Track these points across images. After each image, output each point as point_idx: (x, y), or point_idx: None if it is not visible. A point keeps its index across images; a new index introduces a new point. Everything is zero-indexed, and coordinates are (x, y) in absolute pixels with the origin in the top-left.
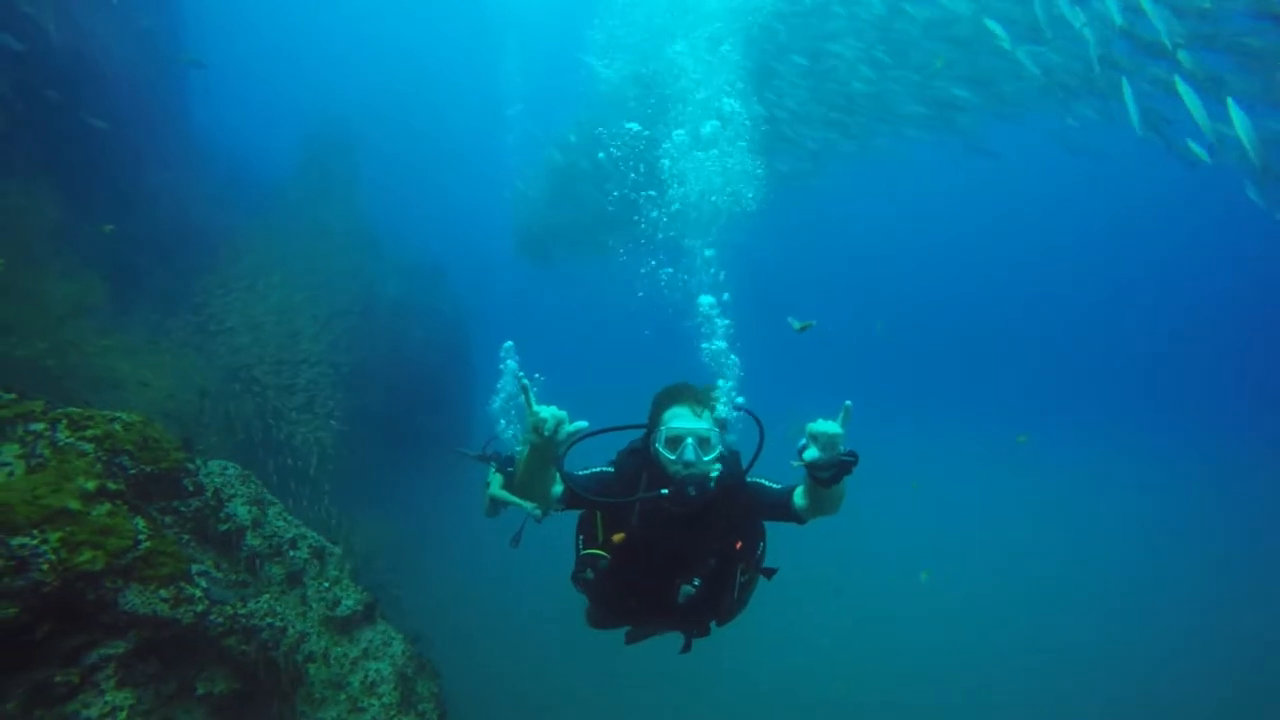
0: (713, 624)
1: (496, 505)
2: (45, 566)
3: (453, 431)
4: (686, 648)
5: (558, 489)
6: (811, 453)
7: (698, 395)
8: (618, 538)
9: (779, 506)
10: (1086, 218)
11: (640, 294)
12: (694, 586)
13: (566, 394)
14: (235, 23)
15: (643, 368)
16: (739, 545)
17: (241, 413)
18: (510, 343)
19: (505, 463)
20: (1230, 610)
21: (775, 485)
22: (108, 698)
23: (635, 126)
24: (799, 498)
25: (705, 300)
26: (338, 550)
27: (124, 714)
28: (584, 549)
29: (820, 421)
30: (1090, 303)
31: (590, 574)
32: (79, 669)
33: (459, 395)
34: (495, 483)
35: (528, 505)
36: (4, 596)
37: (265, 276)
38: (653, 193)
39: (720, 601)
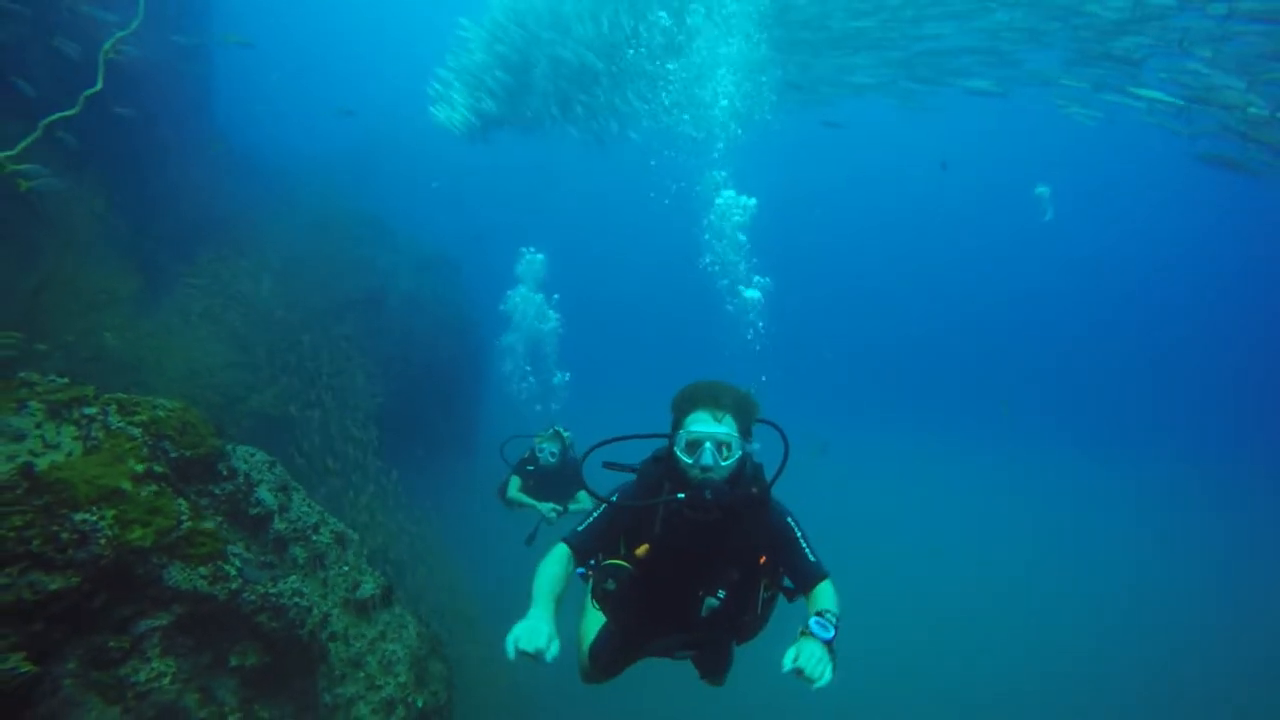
0: (732, 650)
1: (513, 505)
2: (103, 541)
3: (462, 424)
4: (705, 675)
5: (569, 567)
6: (787, 663)
7: (718, 399)
8: (640, 550)
9: (794, 575)
10: (1092, 221)
11: (653, 162)
12: (718, 599)
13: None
14: (257, 11)
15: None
16: (762, 560)
17: (261, 398)
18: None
19: (519, 466)
20: (1232, 620)
21: (811, 556)
22: (154, 664)
23: (665, 16)
24: (807, 600)
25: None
26: (356, 536)
27: (167, 680)
28: (605, 560)
29: (802, 659)
30: (1090, 305)
31: (612, 584)
32: (129, 637)
33: (469, 388)
34: (513, 485)
35: (543, 507)
36: (69, 566)
37: (280, 265)
38: (672, 66)
39: (743, 616)
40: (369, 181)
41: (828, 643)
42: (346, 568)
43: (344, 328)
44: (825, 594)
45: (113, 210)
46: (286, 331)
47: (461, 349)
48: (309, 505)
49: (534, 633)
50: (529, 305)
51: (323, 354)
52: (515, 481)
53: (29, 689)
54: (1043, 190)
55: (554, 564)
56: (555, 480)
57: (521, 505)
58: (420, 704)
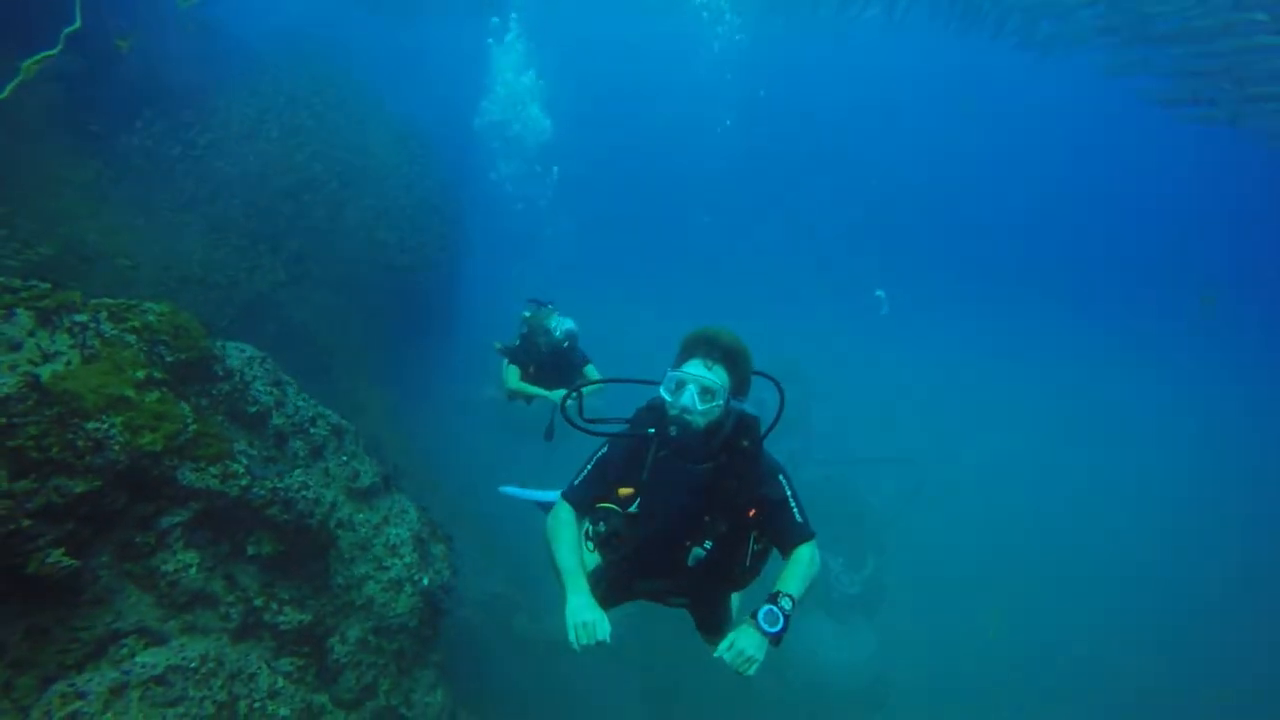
0: (728, 605)
1: (518, 396)
2: (117, 447)
3: (440, 307)
4: (701, 628)
5: (577, 523)
6: (719, 650)
7: (713, 349)
8: (624, 492)
9: (778, 533)
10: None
11: None
12: (704, 549)
13: None
14: None
15: None
16: (752, 513)
17: (250, 284)
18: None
19: (515, 354)
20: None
21: (798, 516)
22: (179, 556)
23: None
24: (785, 562)
25: None
26: (352, 427)
27: (194, 569)
28: (598, 504)
29: (734, 649)
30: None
31: (602, 527)
32: (153, 533)
33: (447, 266)
34: (513, 376)
35: (556, 395)
36: (89, 471)
37: (248, 140)
38: None
39: (732, 568)
40: (342, 51)
41: (773, 635)
42: (345, 458)
43: (320, 205)
44: (799, 563)
45: (57, 86)
46: (265, 210)
47: (438, 223)
48: (304, 399)
49: (589, 626)
50: (517, 91)
51: (307, 230)
52: (514, 371)
53: (73, 579)
54: (880, 293)
55: (565, 527)
56: (560, 364)
57: (529, 396)
58: (426, 582)
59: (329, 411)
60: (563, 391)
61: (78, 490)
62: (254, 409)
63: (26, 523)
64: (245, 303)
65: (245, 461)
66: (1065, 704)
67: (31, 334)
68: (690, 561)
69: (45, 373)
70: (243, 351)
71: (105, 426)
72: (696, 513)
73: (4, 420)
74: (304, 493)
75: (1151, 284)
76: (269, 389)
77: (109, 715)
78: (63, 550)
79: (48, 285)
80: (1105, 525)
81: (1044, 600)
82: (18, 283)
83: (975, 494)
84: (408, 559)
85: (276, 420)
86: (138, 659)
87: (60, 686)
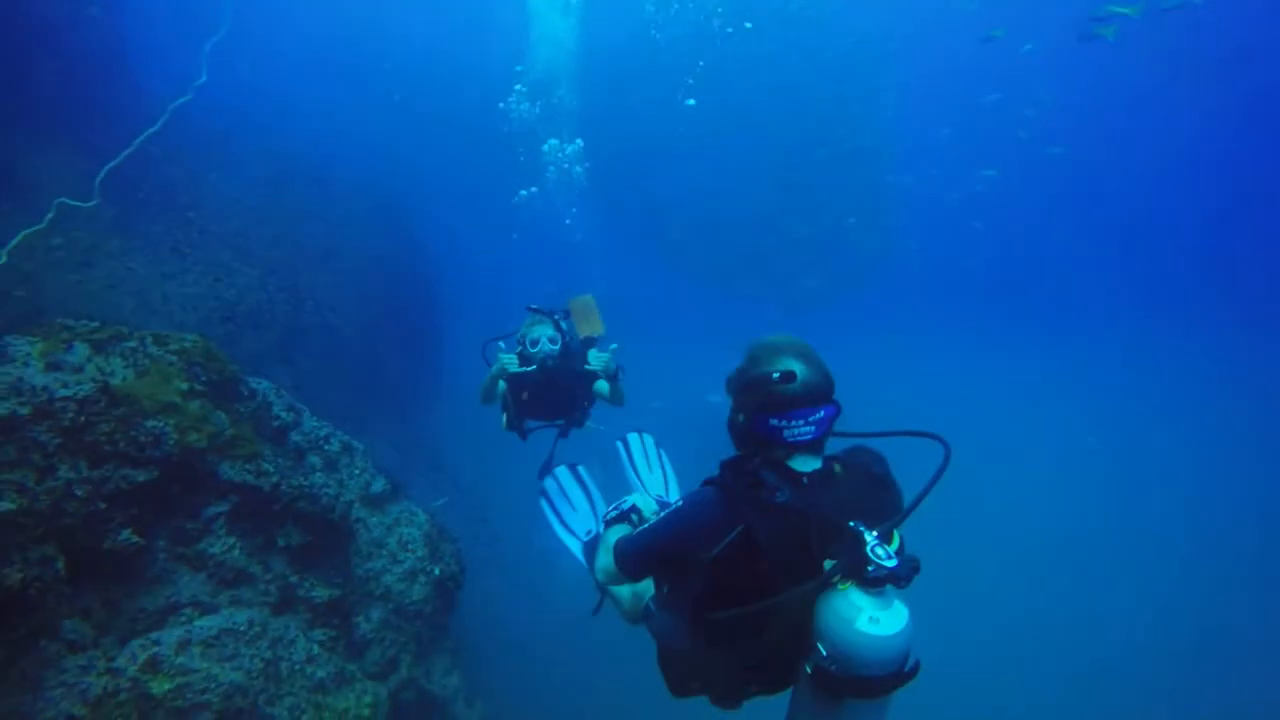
0: None
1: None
2: (171, 443)
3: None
4: None
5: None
6: None
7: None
8: None
9: None
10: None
11: None
12: None
13: None
14: None
15: None
16: None
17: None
18: None
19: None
20: None
21: None
22: (222, 541)
23: None
24: None
25: None
26: (361, 445)
27: (235, 552)
28: None
29: None
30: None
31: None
32: (201, 520)
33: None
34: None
35: (600, 364)
36: (150, 463)
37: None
38: None
39: None
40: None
41: None
42: (358, 470)
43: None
44: None
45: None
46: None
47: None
48: (317, 420)
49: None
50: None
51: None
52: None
53: (138, 559)
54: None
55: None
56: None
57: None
58: (438, 572)
59: (339, 431)
60: (606, 357)
61: (140, 479)
62: (277, 424)
63: (102, 505)
64: (261, 337)
65: (275, 462)
66: (1065, 697)
67: (90, 359)
68: None
69: (111, 382)
70: (260, 383)
71: (161, 424)
72: None
73: (84, 418)
74: (326, 490)
75: (1150, 284)
76: (286, 411)
77: (181, 658)
78: (131, 529)
79: (97, 324)
80: (1106, 523)
81: (1043, 597)
82: (71, 321)
83: (978, 489)
84: (420, 553)
85: (295, 437)
86: (195, 624)
87: (140, 640)
